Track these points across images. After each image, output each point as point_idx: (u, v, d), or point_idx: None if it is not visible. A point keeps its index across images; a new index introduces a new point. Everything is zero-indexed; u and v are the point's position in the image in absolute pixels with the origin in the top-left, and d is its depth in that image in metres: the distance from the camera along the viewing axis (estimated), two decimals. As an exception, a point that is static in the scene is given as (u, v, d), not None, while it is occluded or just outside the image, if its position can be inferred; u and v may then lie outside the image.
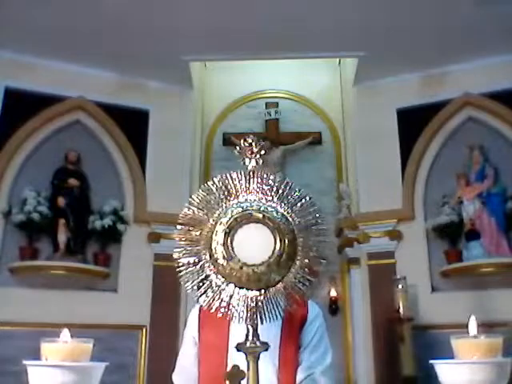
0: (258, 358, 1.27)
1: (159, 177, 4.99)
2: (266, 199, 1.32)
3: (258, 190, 1.33)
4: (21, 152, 4.68)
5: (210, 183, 1.35)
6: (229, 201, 1.33)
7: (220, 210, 1.32)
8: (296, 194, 1.35)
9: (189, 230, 1.33)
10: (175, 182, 4.99)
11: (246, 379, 1.24)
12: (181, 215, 1.34)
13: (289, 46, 4.72)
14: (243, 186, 1.34)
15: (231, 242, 1.27)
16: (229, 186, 1.34)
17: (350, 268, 5.05)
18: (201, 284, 1.30)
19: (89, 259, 4.64)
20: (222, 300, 1.28)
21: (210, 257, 1.30)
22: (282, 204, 1.33)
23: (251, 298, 1.27)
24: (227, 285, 1.29)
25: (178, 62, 4.81)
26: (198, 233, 1.32)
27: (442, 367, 1.22)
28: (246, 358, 1.27)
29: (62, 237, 4.51)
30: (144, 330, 4.57)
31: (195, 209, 1.34)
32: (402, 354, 4.27)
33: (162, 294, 4.63)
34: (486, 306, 4.18)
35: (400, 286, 4.41)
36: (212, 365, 1.76)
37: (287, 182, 1.36)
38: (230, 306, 1.28)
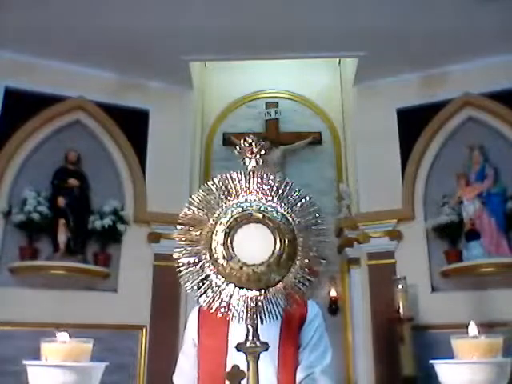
0: (258, 358, 1.27)
1: (159, 177, 4.98)
2: (266, 199, 1.32)
3: (258, 189, 1.33)
4: (21, 152, 4.67)
5: (210, 183, 1.35)
6: (229, 201, 1.33)
7: (220, 209, 1.32)
8: (296, 194, 1.35)
9: (189, 230, 1.33)
10: (175, 182, 4.98)
11: (246, 379, 1.24)
12: (181, 215, 1.35)
13: (289, 46, 4.72)
14: (243, 186, 1.34)
15: (231, 242, 1.27)
16: (229, 186, 1.34)
17: (350, 268, 5.04)
18: (201, 284, 1.30)
19: (89, 259, 4.64)
20: (221, 300, 1.28)
21: (210, 257, 1.30)
22: (282, 204, 1.33)
23: (251, 298, 1.27)
24: (227, 285, 1.29)
25: (177, 61, 4.81)
26: (198, 233, 1.32)
27: (441, 367, 1.22)
28: (246, 358, 1.27)
29: (62, 237, 4.51)
30: (144, 330, 4.57)
31: (195, 209, 1.34)
32: (401, 354, 4.27)
33: (162, 294, 4.63)
34: (486, 306, 4.18)
35: (400, 286, 4.41)
36: (212, 365, 1.76)
37: (287, 182, 1.36)
38: (230, 306, 1.28)
